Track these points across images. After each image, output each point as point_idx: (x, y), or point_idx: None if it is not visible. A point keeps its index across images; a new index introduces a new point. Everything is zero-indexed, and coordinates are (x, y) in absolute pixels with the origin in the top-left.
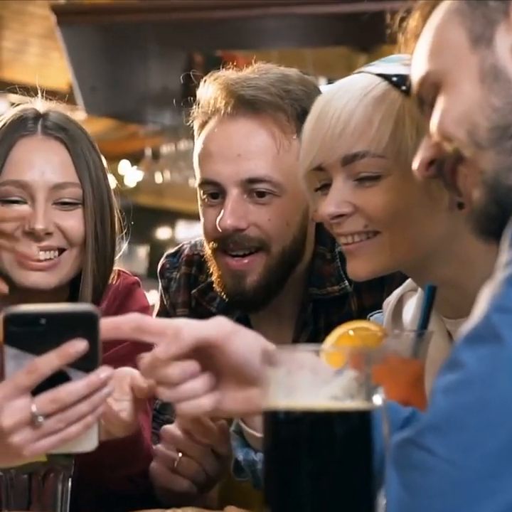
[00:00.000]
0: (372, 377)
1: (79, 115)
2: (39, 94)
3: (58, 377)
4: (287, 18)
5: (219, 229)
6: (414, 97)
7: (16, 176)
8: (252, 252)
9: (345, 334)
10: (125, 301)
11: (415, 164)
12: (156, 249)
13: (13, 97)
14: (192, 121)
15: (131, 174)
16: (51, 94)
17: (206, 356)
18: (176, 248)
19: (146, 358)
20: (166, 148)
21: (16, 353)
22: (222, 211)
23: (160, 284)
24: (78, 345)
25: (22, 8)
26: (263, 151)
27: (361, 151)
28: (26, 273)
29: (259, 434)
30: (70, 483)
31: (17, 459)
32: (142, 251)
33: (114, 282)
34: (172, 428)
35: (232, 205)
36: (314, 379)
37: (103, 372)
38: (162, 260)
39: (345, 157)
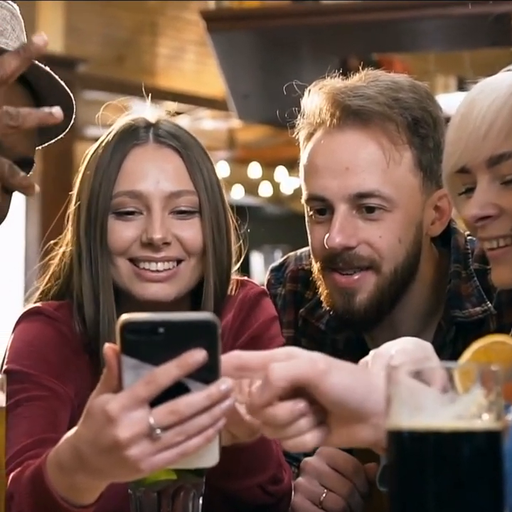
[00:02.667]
0: (502, 395)
1: (234, 123)
2: (148, 103)
3: (176, 389)
4: (444, 19)
5: (327, 247)
6: None
7: (131, 187)
8: (362, 270)
9: (480, 349)
10: (252, 311)
11: None
12: None
13: (169, 105)
14: (297, 133)
15: (287, 181)
16: (207, 102)
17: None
18: (281, 261)
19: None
20: None
21: (134, 363)
22: (330, 229)
23: None
24: (198, 355)
25: (178, 14)
26: (372, 164)
27: (507, 152)
28: (145, 285)
29: None
30: (200, 502)
31: (134, 473)
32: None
33: (239, 292)
34: (316, 462)
35: (341, 221)
36: (439, 397)
37: (223, 383)
38: (267, 275)
39: (491, 158)
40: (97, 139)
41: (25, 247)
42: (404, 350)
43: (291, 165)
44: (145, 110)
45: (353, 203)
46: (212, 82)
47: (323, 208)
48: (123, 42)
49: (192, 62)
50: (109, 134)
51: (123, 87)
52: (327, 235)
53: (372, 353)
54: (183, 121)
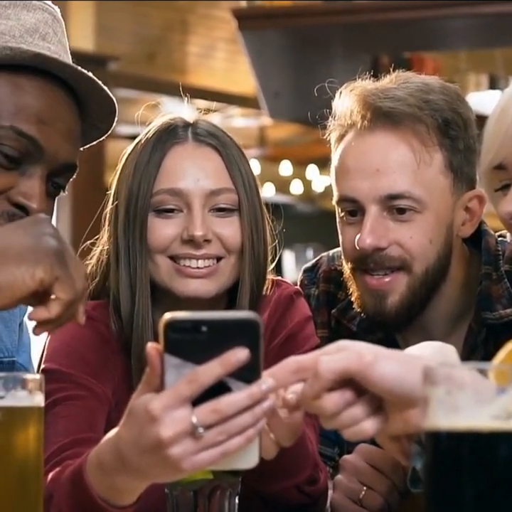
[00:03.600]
0: None
1: (265, 120)
2: (186, 103)
3: (218, 388)
4: (476, 17)
5: (358, 248)
6: None
7: (171, 185)
8: (394, 271)
9: None
10: (286, 311)
11: None
12: None
13: (200, 103)
14: (329, 134)
15: (319, 179)
16: (238, 100)
17: None
18: (314, 261)
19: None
20: None
21: (176, 361)
22: (361, 230)
23: None
24: (240, 354)
25: (208, 12)
26: (403, 166)
27: None
28: (186, 281)
29: None
30: (236, 501)
31: (176, 472)
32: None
33: (273, 292)
34: (354, 459)
35: (372, 223)
36: (476, 398)
37: (265, 383)
38: (300, 275)
39: None
40: (128, 137)
41: None
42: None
43: (323, 163)
44: (182, 110)
45: (383, 204)
46: (243, 80)
47: (354, 209)
48: (154, 40)
49: (222, 60)
50: (147, 133)
51: (154, 85)
52: (358, 236)
53: None
54: (214, 120)
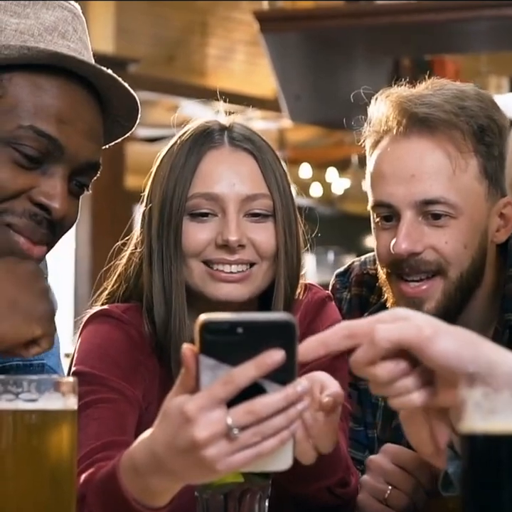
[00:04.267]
0: None
1: (284, 123)
2: (221, 107)
3: (252, 389)
4: (497, 20)
5: (393, 253)
6: None
7: (206, 189)
8: (429, 277)
9: None
10: (317, 315)
11: None
12: None
13: (219, 105)
14: (364, 140)
15: (338, 182)
16: (258, 102)
17: None
18: (346, 266)
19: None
20: None
21: (211, 363)
22: (396, 235)
23: None
24: (276, 356)
25: (228, 14)
26: (438, 172)
27: None
28: (220, 285)
29: None
30: (266, 504)
31: (210, 473)
32: (349, 260)
33: (304, 297)
34: (380, 459)
35: (407, 228)
36: None
37: (299, 385)
38: (332, 280)
39: None
40: (147, 140)
41: (76, 247)
42: None
43: (342, 166)
44: (218, 114)
45: (419, 209)
46: (262, 82)
47: (390, 214)
48: (173, 42)
49: (242, 63)
50: (182, 136)
51: (173, 87)
52: (393, 241)
53: None
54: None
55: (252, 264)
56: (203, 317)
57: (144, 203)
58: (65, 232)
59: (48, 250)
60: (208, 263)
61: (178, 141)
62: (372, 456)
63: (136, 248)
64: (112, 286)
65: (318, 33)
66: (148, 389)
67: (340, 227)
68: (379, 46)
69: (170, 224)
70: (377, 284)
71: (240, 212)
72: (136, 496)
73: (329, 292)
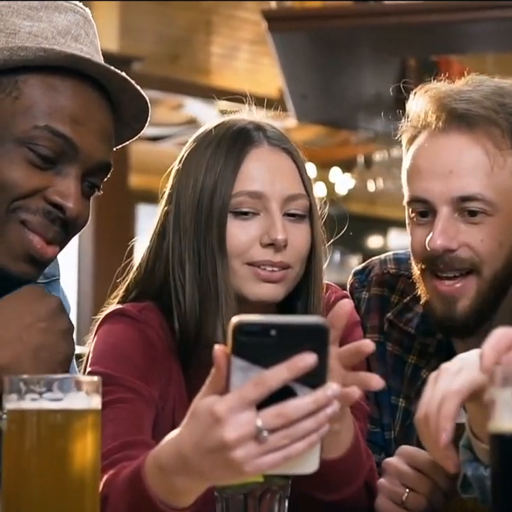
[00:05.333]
0: None
1: (287, 122)
2: (253, 106)
3: (282, 392)
4: (505, 21)
5: (428, 249)
6: None
7: (251, 187)
8: (463, 275)
9: None
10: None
11: None
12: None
13: (223, 104)
14: (400, 135)
15: (342, 182)
16: (261, 102)
17: None
18: (364, 265)
19: None
20: (378, 156)
21: (243, 364)
22: (432, 231)
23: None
24: (308, 359)
25: (232, 13)
26: (476, 168)
27: None
28: (261, 285)
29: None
30: (286, 504)
31: (238, 475)
32: (354, 261)
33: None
34: (396, 462)
35: (443, 224)
36: None
37: (330, 389)
38: (350, 279)
39: None
40: (151, 139)
41: (79, 245)
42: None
43: (346, 165)
44: (245, 113)
45: (455, 206)
46: (266, 81)
47: (425, 210)
48: (177, 41)
49: (246, 62)
50: (213, 134)
51: (177, 85)
52: (429, 236)
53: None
54: None
55: (287, 267)
56: (237, 318)
57: (165, 201)
58: (76, 232)
59: (60, 250)
60: (250, 264)
61: (210, 139)
62: (388, 459)
63: (152, 247)
64: (128, 284)
65: (326, 32)
66: (164, 388)
67: (344, 227)
68: (386, 46)
69: (210, 222)
70: (398, 284)
71: (281, 211)
72: (161, 496)
73: (347, 292)
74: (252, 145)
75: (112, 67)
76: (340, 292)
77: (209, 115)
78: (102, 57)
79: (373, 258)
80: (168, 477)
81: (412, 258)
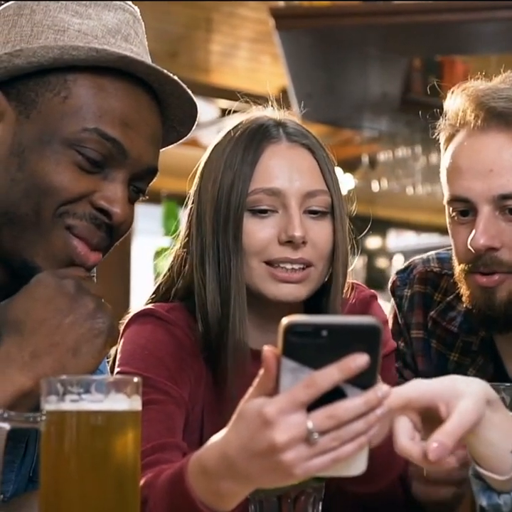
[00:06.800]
0: None
1: None
2: (273, 103)
3: (332, 393)
4: (511, 21)
5: (471, 249)
6: None
7: (268, 184)
8: (503, 272)
9: None
10: (362, 314)
11: None
12: (372, 259)
13: (222, 102)
14: (438, 134)
15: (344, 181)
16: (262, 100)
17: None
18: (406, 264)
19: None
20: (383, 156)
21: (293, 365)
22: (474, 230)
23: (392, 301)
24: (360, 360)
25: (233, 11)
26: None
27: None
28: (280, 285)
29: (497, 476)
30: (320, 506)
31: (286, 478)
32: (359, 261)
33: (350, 295)
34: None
35: (484, 223)
36: None
37: (380, 390)
38: (393, 277)
39: None
40: None
41: None
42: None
43: (348, 165)
44: (267, 110)
45: (496, 204)
46: (266, 80)
47: (466, 209)
48: (177, 37)
49: (246, 60)
50: (233, 133)
51: None
52: (471, 236)
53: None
54: (238, 120)
55: (309, 265)
56: (288, 319)
57: (190, 202)
58: (120, 238)
59: (103, 256)
60: (269, 262)
61: (229, 138)
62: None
63: (180, 248)
64: (159, 285)
65: (333, 31)
66: (193, 389)
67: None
68: (393, 46)
69: (228, 220)
70: (441, 283)
71: (300, 208)
72: (204, 499)
73: (374, 291)
74: (270, 141)
75: (165, 70)
76: (366, 291)
77: (208, 113)
78: (150, 58)
79: (415, 258)
80: (212, 480)
81: (454, 257)
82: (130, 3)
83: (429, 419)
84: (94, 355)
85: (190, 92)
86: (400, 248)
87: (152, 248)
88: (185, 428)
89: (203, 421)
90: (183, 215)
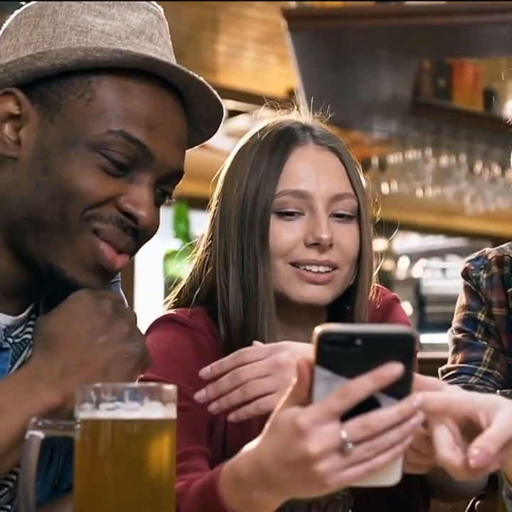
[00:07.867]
0: None
1: None
2: (300, 106)
3: (366, 402)
4: None
5: None
6: None
7: (295, 186)
8: None
9: None
10: (385, 317)
11: None
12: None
13: (230, 103)
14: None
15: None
16: (268, 100)
17: None
18: (477, 254)
19: None
20: (393, 158)
21: (327, 375)
22: None
23: (465, 284)
24: (395, 369)
25: (240, 11)
26: None
27: None
28: (306, 286)
29: None
30: None
31: (320, 488)
32: None
33: (373, 299)
34: None
35: None
36: None
37: (415, 399)
38: (464, 264)
39: None
40: None
41: None
42: None
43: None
44: (293, 114)
45: None
46: (273, 80)
47: None
48: (183, 37)
49: (252, 60)
50: (259, 136)
51: None
52: None
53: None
54: (244, 120)
55: (334, 268)
56: (322, 328)
57: (213, 204)
58: (146, 242)
59: (129, 259)
60: (294, 264)
61: (255, 141)
62: None
63: (202, 252)
64: (179, 290)
65: (345, 32)
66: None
67: None
68: (405, 47)
69: (253, 222)
70: None
71: (327, 211)
72: (236, 509)
73: (395, 295)
74: (297, 144)
75: (190, 71)
76: (389, 294)
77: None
78: (174, 58)
79: (485, 248)
80: (245, 489)
81: None
82: (154, 2)
83: (467, 432)
84: (122, 378)
85: (215, 92)
86: (404, 250)
87: (161, 251)
88: (211, 435)
89: (226, 426)
90: (206, 218)
